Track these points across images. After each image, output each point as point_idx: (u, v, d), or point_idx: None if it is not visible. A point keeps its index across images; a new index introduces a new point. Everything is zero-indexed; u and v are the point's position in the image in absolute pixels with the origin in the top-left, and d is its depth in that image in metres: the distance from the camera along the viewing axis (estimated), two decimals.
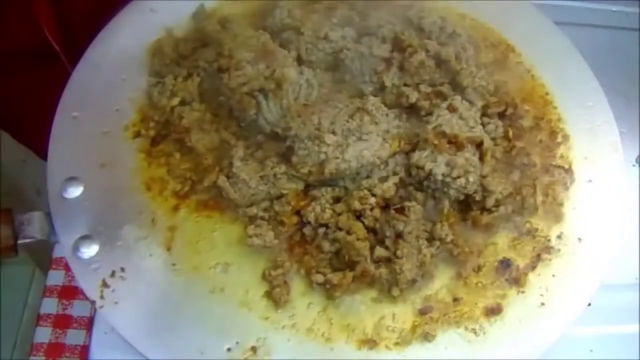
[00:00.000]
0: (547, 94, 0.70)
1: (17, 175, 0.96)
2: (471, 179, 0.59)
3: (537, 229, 0.61)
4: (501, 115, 0.67)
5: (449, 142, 0.60)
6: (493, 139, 0.64)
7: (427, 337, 0.55)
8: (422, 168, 0.59)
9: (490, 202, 0.60)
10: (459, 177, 0.58)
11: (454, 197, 0.60)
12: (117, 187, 0.60)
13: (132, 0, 0.71)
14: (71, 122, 0.63)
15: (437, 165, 0.59)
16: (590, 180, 0.65)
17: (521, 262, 0.59)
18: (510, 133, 0.65)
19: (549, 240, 0.61)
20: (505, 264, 0.59)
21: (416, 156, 0.60)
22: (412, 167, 0.60)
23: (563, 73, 0.71)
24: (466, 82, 0.66)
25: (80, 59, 0.67)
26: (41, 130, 0.62)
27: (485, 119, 0.65)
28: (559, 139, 0.67)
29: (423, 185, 0.60)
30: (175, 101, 0.64)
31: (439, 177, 0.58)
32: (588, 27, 0.90)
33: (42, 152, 0.62)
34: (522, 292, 0.58)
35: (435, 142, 0.60)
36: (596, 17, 0.91)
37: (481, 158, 0.61)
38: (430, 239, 0.59)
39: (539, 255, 0.60)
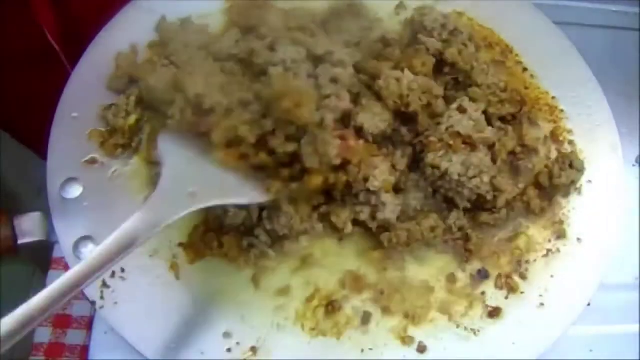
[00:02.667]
0: (553, 98, 0.70)
1: (17, 175, 0.96)
2: (485, 179, 0.59)
3: (537, 230, 0.61)
4: (507, 115, 0.66)
5: (464, 143, 0.60)
6: (499, 139, 0.64)
7: (418, 348, 0.55)
8: (438, 167, 0.59)
9: (501, 202, 0.60)
10: (474, 176, 0.58)
11: (467, 196, 0.60)
12: (117, 188, 0.60)
13: (132, 0, 0.71)
14: (71, 122, 0.63)
15: (452, 164, 0.59)
16: (590, 181, 0.65)
17: (520, 265, 0.60)
18: (516, 133, 0.65)
19: (548, 241, 0.61)
20: (483, 274, 0.59)
21: (431, 156, 0.60)
22: (427, 166, 0.60)
23: (563, 73, 0.71)
24: (480, 80, 0.65)
25: (80, 59, 0.67)
26: (41, 130, 0.62)
27: (493, 119, 0.65)
28: (561, 139, 0.67)
29: (436, 185, 0.60)
30: (133, 119, 0.63)
31: (455, 177, 0.58)
32: (588, 27, 0.89)
33: (42, 152, 0.62)
34: (522, 292, 0.58)
35: (451, 142, 0.60)
36: (596, 17, 0.91)
37: (493, 159, 0.61)
38: (448, 230, 0.60)
39: (524, 261, 0.60)
